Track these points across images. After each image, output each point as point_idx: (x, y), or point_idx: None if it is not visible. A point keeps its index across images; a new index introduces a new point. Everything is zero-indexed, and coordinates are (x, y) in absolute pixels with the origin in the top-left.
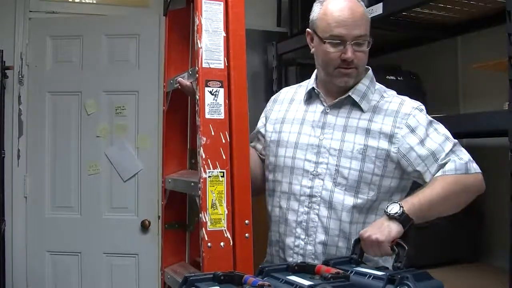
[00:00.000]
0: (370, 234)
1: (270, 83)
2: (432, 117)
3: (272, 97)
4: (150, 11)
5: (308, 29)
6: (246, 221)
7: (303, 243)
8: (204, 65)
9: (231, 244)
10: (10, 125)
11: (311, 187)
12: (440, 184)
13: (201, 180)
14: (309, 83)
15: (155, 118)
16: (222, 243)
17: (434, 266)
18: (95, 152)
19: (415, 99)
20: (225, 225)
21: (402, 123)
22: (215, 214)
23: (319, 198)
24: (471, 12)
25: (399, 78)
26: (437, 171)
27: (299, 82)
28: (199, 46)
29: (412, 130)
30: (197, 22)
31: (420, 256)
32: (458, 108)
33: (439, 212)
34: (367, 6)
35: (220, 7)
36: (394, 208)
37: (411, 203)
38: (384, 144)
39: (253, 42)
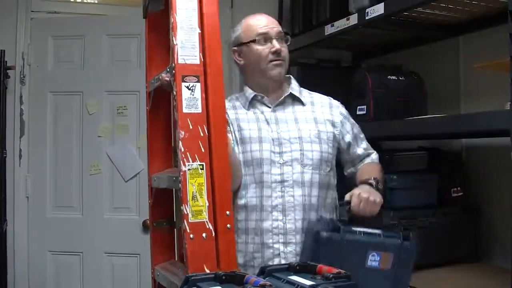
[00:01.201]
0: (369, 196)
1: None
2: (433, 117)
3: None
4: None
5: (233, 48)
6: (227, 212)
7: (281, 223)
8: (180, 61)
9: (213, 235)
10: (12, 125)
11: (281, 174)
12: (377, 168)
13: (181, 173)
14: (244, 96)
15: None
16: (204, 234)
17: (434, 266)
18: (97, 152)
19: (416, 99)
20: (207, 217)
21: (338, 112)
22: (196, 206)
23: (291, 182)
24: (472, 12)
25: (400, 78)
26: (363, 155)
27: (300, 82)
28: (175, 43)
29: (345, 117)
30: (171, 20)
31: (421, 256)
32: (459, 108)
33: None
34: (369, 6)
35: (194, 4)
36: (373, 181)
37: (378, 178)
38: (330, 128)
39: None
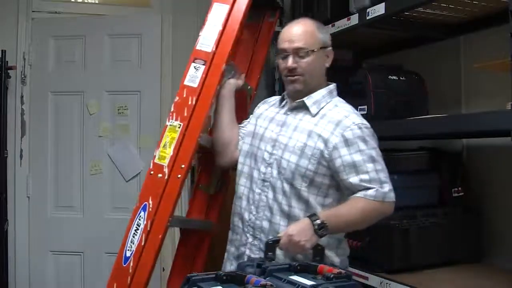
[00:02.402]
0: (298, 239)
1: (272, 82)
2: (434, 117)
3: (264, 100)
4: (152, 11)
5: None
6: (182, 165)
7: (254, 218)
8: (197, 47)
9: (166, 178)
10: (13, 125)
11: (264, 173)
12: (361, 207)
13: (164, 126)
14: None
15: (157, 118)
16: (159, 175)
17: (434, 266)
18: (97, 152)
19: (417, 99)
20: (167, 163)
21: (340, 133)
22: (163, 153)
23: (268, 183)
24: (473, 12)
25: (401, 78)
26: (359, 186)
27: None
28: (199, 34)
29: (345, 141)
30: (206, 17)
31: (421, 256)
32: (460, 108)
33: (350, 229)
34: (369, 6)
35: (225, 8)
36: (317, 221)
37: (331, 218)
38: (320, 145)
39: None
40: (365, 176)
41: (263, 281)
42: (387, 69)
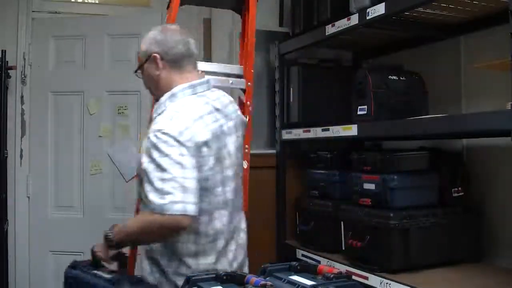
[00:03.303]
0: (96, 250)
1: (272, 83)
2: (434, 117)
3: None
4: (152, 10)
5: None
6: None
7: None
8: None
9: None
10: (13, 125)
11: None
12: (142, 219)
13: None
14: None
15: None
16: None
17: (435, 266)
18: (98, 152)
19: (417, 99)
20: None
21: (145, 141)
22: None
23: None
24: (473, 11)
25: (401, 78)
26: (145, 197)
27: (301, 82)
28: None
29: (145, 150)
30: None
31: (421, 256)
32: (460, 108)
33: (137, 242)
34: (369, 6)
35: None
36: (109, 235)
37: (118, 230)
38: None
39: (255, 42)
40: (149, 187)
41: (263, 281)
42: (387, 69)
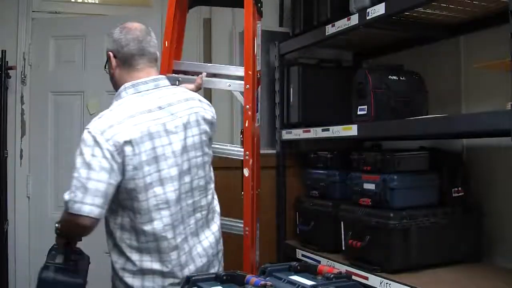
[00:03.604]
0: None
1: (272, 83)
2: (434, 117)
3: None
4: (152, 10)
5: None
6: None
7: None
8: None
9: None
10: (13, 125)
11: None
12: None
13: None
14: None
15: None
16: None
17: (435, 266)
18: None
19: (417, 99)
20: None
21: None
22: None
23: None
24: (473, 11)
25: (401, 78)
26: None
27: (301, 82)
28: None
29: None
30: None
31: (421, 256)
32: (460, 108)
33: (68, 234)
34: (369, 6)
35: None
36: (56, 225)
37: (60, 222)
38: None
39: None
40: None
41: (263, 281)
42: (387, 69)
